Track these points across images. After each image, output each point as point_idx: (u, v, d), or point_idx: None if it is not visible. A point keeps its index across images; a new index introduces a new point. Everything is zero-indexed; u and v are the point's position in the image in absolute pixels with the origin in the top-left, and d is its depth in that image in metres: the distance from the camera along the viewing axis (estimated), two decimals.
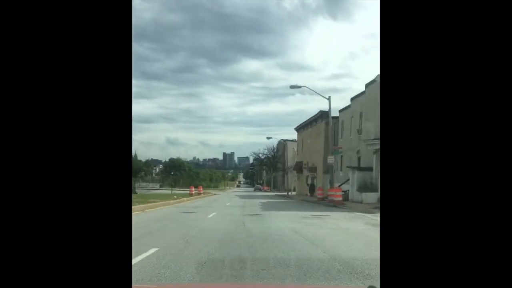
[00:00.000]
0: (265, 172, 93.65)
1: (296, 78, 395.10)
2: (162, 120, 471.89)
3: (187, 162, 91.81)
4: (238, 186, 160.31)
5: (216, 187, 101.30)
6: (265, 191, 74.88)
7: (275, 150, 73.41)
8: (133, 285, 1.19)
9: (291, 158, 69.65)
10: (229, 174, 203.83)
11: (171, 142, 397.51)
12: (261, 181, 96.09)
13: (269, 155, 74.46)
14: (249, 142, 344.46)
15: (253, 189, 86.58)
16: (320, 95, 24.43)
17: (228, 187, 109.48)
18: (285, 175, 60.16)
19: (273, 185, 73.36)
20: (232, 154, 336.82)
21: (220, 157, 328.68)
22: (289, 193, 47.24)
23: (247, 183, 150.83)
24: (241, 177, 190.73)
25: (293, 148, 48.93)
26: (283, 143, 71.41)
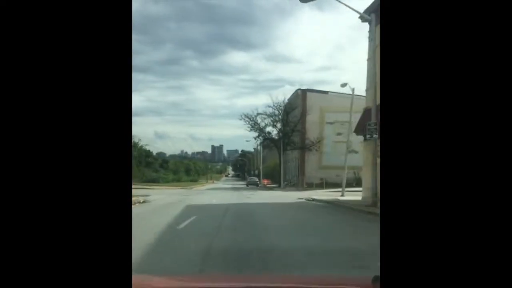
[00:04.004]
0: (262, 153, 61.26)
1: (283, 71, 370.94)
2: (150, 113, 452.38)
3: (145, 148, 59.14)
4: (226, 176, 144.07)
5: (195, 181, 72.75)
6: (266, 186, 43.47)
7: (283, 108, 40.43)
8: (133, 275, 1.21)
9: (314, 125, 38.04)
10: (218, 167, 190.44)
11: (160, 136, 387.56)
12: (256, 172, 64.32)
13: (276, 119, 41.37)
14: (238, 135, 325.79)
15: (244, 183, 54.48)
16: None
17: (211, 181, 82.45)
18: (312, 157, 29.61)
19: (280, 177, 40.83)
20: (221, 147, 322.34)
21: (209, 151, 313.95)
22: (343, 195, 15.54)
23: (236, 175, 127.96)
24: (230, 170, 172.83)
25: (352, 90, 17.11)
26: (300, 96, 39.39)
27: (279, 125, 40.48)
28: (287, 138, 39.22)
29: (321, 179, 33.83)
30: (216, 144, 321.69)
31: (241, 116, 41.46)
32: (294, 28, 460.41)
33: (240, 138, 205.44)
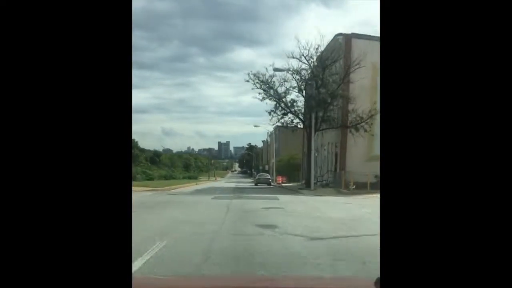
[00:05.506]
0: (279, 140, 48.61)
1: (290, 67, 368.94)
2: (157, 110, 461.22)
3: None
4: (232, 172, 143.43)
5: (194, 178, 62.36)
6: (282, 185, 32.07)
7: (317, 62, 24.46)
8: (133, 276, 1.23)
9: (362, 91, 22.92)
10: (224, 163, 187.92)
11: (167, 133, 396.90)
12: (266, 167, 51.52)
13: (304, 78, 25.34)
14: (244, 133, 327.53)
15: (252, 181, 43.28)
16: None
17: (214, 178, 71.77)
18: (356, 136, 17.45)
19: (305, 173, 27.40)
20: (227, 143, 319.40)
21: (216, 147, 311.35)
22: None
23: (243, 172, 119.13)
24: (236, 167, 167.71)
25: None
26: (342, 44, 24.55)
27: (308, 89, 24.64)
28: (322, 108, 23.79)
29: (376, 176, 21.09)
30: (223, 141, 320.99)
31: (248, 75, 25.86)
32: (301, 25, 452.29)
33: (247, 135, 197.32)
